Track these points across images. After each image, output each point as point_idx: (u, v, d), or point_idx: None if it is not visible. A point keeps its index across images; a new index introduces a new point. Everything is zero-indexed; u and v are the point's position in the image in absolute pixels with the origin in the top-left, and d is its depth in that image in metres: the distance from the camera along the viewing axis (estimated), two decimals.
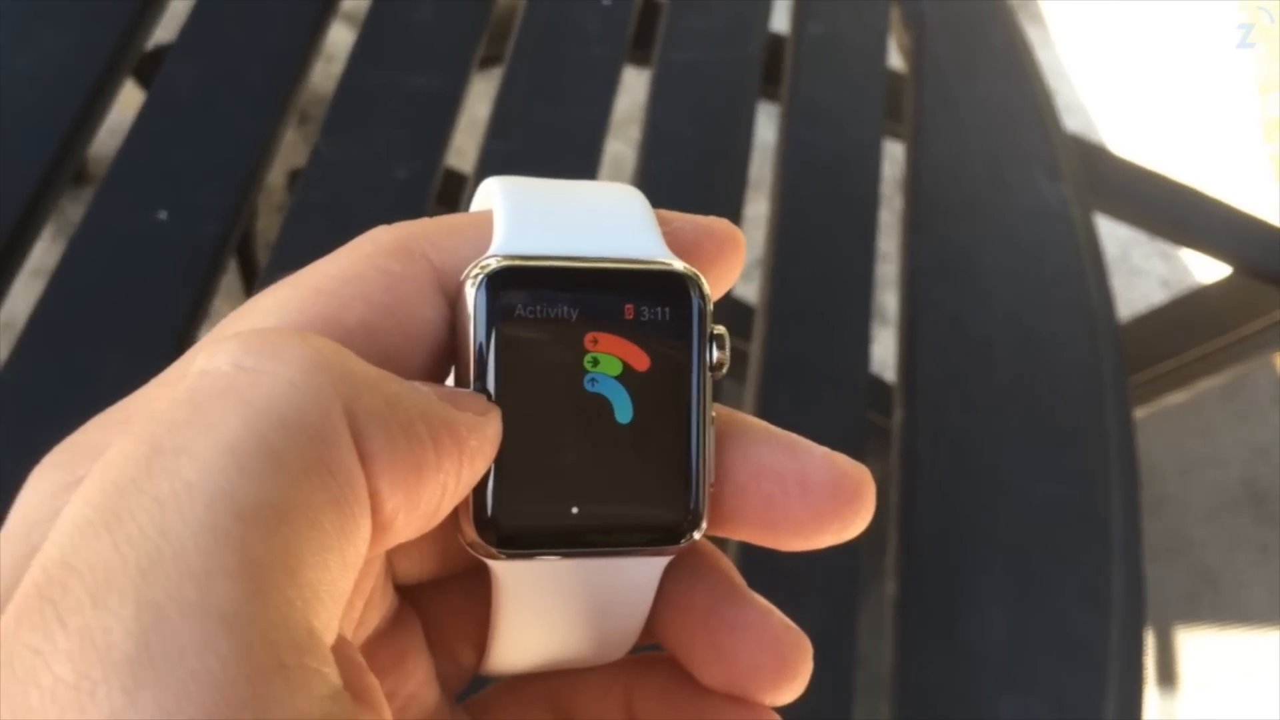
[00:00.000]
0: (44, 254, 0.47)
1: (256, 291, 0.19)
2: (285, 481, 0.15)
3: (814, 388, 0.51)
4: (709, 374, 0.20)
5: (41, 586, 0.14)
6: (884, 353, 0.60)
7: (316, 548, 0.15)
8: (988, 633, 0.46)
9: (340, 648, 0.15)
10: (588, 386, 0.19)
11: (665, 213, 0.21)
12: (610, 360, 0.19)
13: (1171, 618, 1.11)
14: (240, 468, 0.14)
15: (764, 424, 0.20)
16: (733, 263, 0.21)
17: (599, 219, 0.20)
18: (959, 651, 0.46)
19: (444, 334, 0.19)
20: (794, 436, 0.20)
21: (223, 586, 0.14)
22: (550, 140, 0.54)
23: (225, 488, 0.14)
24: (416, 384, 0.17)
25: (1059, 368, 0.55)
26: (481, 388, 0.18)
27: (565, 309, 0.19)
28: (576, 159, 0.53)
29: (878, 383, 0.62)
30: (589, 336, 0.19)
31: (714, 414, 0.20)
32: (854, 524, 0.19)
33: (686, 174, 0.56)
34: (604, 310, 0.19)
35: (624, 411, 0.19)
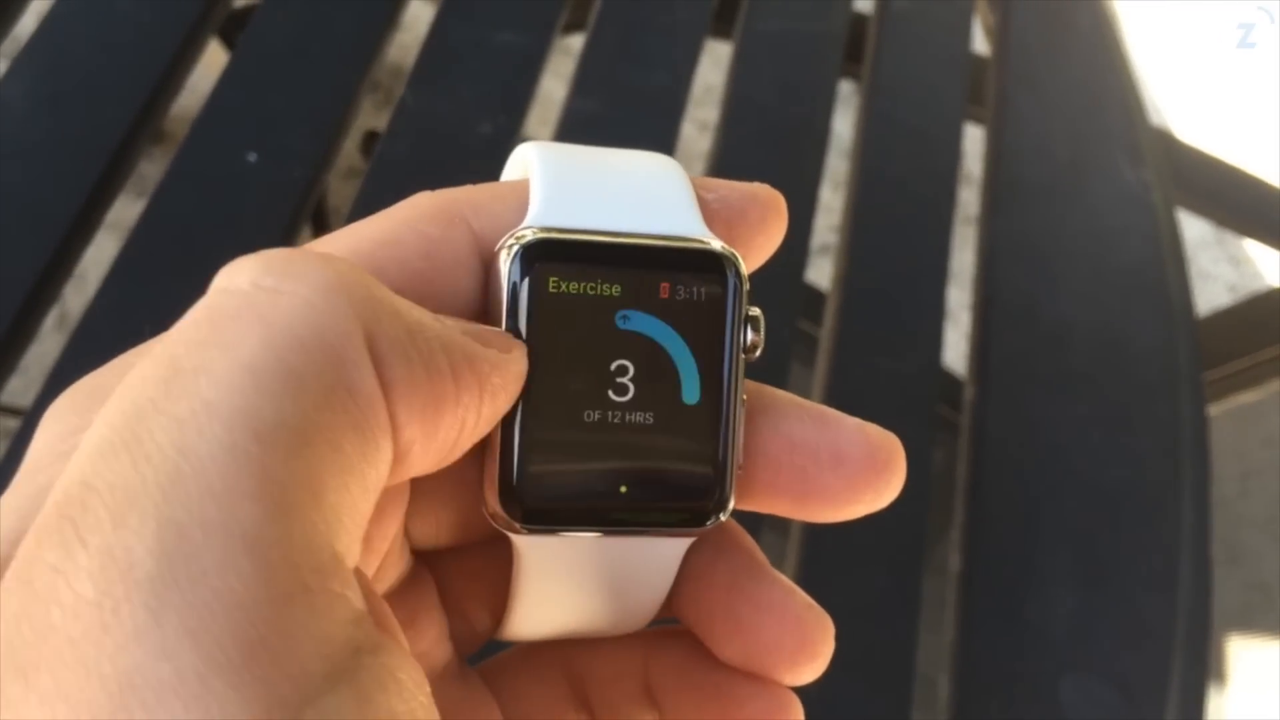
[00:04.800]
0: (117, 208, 0.47)
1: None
2: (306, 403, 0.14)
3: (885, 367, 0.51)
4: (742, 356, 0.19)
5: (61, 505, 0.14)
6: (951, 338, 0.59)
7: (337, 470, 0.14)
8: (1052, 612, 0.46)
9: (357, 576, 0.15)
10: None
11: (710, 180, 0.20)
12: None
13: (1223, 627, 1.09)
14: (259, 387, 0.14)
15: (793, 397, 0.20)
16: (776, 229, 0.20)
17: (638, 192, 0.19)
18: (1021, 629, 0.45)
19: (480, 302, 0.19)
20: (824, 409, 0.20)
21: (244, 507, 0.13)
22: (631, 103, 0.54)
23: (244, 407, 0.14)
24: (442, 316, 0.17)
25: (1134, 353, 0.54)
26: None
27: (600, 284, 0.18)
28: (656, 123, 0.53)
29: (942, 372, 0.62)
30: (621, 313, 0.18)
31: (744, 396, 0.19)
32: (886, 493, 0.19)
33: (766, 144, 0.55)
34: (639, 287, 0.18)
35: None
